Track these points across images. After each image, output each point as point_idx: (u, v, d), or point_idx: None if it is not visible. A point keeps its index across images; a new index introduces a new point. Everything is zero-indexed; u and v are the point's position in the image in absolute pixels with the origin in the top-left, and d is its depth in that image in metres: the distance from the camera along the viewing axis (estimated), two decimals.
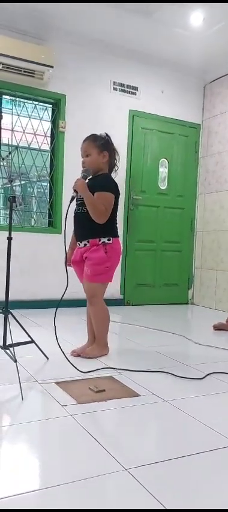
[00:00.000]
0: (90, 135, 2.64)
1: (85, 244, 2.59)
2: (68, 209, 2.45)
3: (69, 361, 2.34)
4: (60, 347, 2.35)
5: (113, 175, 2.68)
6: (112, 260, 2.58)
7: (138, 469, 1.41)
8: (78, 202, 2.60)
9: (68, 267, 2.55)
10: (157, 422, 1.86)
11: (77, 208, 2.62)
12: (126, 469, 1.40)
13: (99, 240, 2.55)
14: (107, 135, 2.67)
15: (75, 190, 2.49)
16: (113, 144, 2.67)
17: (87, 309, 2.74)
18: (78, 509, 1.15)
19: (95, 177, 2.61)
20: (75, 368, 2.31)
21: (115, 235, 2.61)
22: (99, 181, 2.56)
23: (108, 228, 2.56)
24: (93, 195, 2.50)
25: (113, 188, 2.57)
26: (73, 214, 2.63)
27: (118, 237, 2.65)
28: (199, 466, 1.48)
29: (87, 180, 2.60)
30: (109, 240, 2.56)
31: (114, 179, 2.66)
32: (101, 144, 2.59)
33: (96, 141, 2.60)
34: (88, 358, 2.56)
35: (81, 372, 2.31)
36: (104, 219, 2.53)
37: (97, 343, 2.66)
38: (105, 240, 2.55)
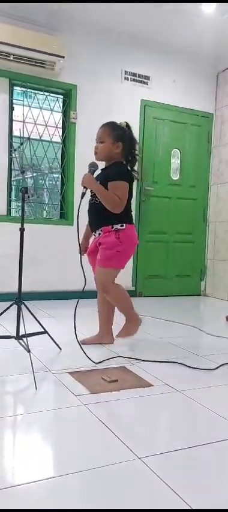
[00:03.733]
0: (109, 122, 2.59)
1: (99, 234, 2.59)
2: (79, 205, 2.38)
3: (84, 352, 2.35)
4: (77, 340, 2.37)
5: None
6: (124, 245, 2.53)
7: (152, 458, 1.41)
8: (92, 193, 2.59)
9: (82, 257, 2.55)
10: (170, 413, 1.85)
11: (91, 198, 2.62)
12: (139, 458, 1.40)
13: (112, 227, 2.53)
14: (127, 125, 2.62)
15: (84, 187, 2.49)
16: (132, 136, 2.62)
17: (98, 298, 2.73)
18: (79, 509, 1.15)
19: (108, 166, 2.60)
20: (89, 358, 2.32)
21: (129, 221, 2.57)
22: (112, 170, 2.55)
23: (122, 215, 2.52)
24: (107, 185, 2.49)
25: (126, 175, 2.54)
26: (87, 206, 2.64)
27: (133, 224, 2.61)
28: (212, 456, 1.47)
29: (99, 171, 2.59)
30: (122, 225, 2.53)
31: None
32: (117, 134, 2.55)
33: (113, 130, 2.55)
34: (128, 337, 2.65)
35: (94, 362, 2.32)
36: (119, 208, 2.50)
37: (128, 321, 2.67)
38: (117, 226, 2.52)
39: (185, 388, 2.03)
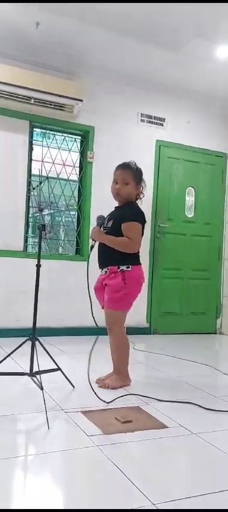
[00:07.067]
0: (127, 165, 2.65)
1: (106, 272, 2.62)
2: (88, 257, 2.55)
3: (95, 393, 2.33)
4: (90, 383, 2.35)
5: (138, 202, 2.71)
6: (130, 287, 2.55)
7: (167, 504, 1.37)
8: (104, 230, 2.63)
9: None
10: (186, 456, 1.80)
11: None
12: (154, 504, 1.36)
13: (118, 268, 2.55)
14: (135, 164, 2.68)
15: (93, 239, 2.59)
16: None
17: (109, 337, 2.68)
18: (80, 509, 1.12)
19: (122, 206, 2.66)
20: (100, 399, 2.29)
21: (135, 262, 2.59)
22: (127, 211, 2.60)
23: (129, 256, 2.55)
24: (121, 224, 2.55)
25: (140, 217, 2.61)
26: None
27: (139, 264, 2.63)
28: None
29: (112, 208, 2.63)
30: (128, 267, 2.55)
31: (140, 207, 2.68)
32: (139, 177, 2.65)
33: (136, 172, 2.64)
34: (109, 389, 2.50)
35: (107, 402, 2.28)
36: (132, 249, 2.56)
37: (117, 373, 2.62)
38: (123, 267, 2.54)
39: (201, 431, 1.97)
